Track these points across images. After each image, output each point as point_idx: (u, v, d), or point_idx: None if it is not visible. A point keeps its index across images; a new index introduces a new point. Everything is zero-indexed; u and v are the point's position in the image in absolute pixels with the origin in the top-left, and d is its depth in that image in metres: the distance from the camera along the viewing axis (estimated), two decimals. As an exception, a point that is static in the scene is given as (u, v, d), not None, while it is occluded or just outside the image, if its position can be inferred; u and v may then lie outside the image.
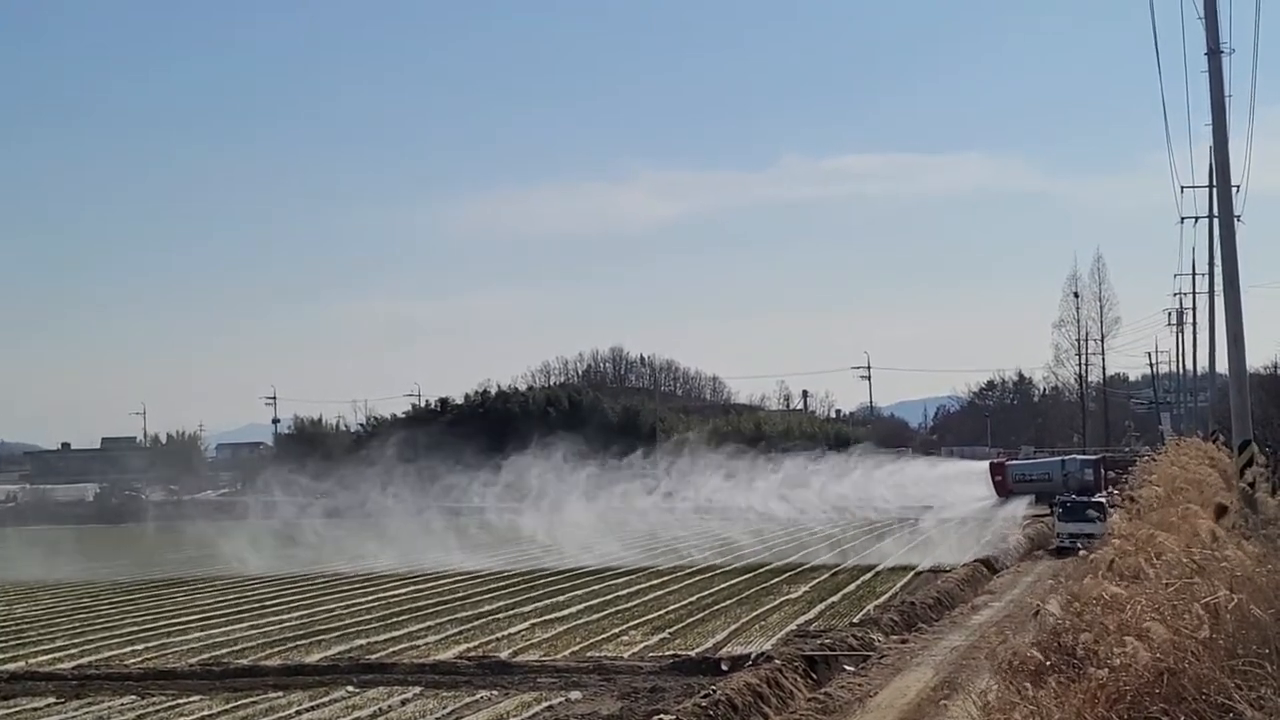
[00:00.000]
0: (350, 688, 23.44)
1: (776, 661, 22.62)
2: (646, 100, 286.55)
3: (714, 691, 19.68)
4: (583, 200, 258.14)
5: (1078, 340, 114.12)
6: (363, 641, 29.67)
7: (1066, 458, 67.64)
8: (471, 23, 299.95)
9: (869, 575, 39.73)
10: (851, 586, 37.10)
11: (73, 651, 29.93)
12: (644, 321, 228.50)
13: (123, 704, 23.07)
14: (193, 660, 27.66)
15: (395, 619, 33.60)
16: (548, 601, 36.06)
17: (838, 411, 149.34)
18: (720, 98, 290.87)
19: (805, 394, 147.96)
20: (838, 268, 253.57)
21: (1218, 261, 39.87)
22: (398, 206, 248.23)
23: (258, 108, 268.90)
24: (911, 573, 39.48)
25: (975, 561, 39.36)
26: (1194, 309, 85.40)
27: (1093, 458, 67.15)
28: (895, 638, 26.56)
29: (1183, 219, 64.01)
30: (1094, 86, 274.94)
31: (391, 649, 28.17)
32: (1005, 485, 62.16)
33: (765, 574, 41.48)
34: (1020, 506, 57.76)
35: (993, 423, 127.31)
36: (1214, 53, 26.31)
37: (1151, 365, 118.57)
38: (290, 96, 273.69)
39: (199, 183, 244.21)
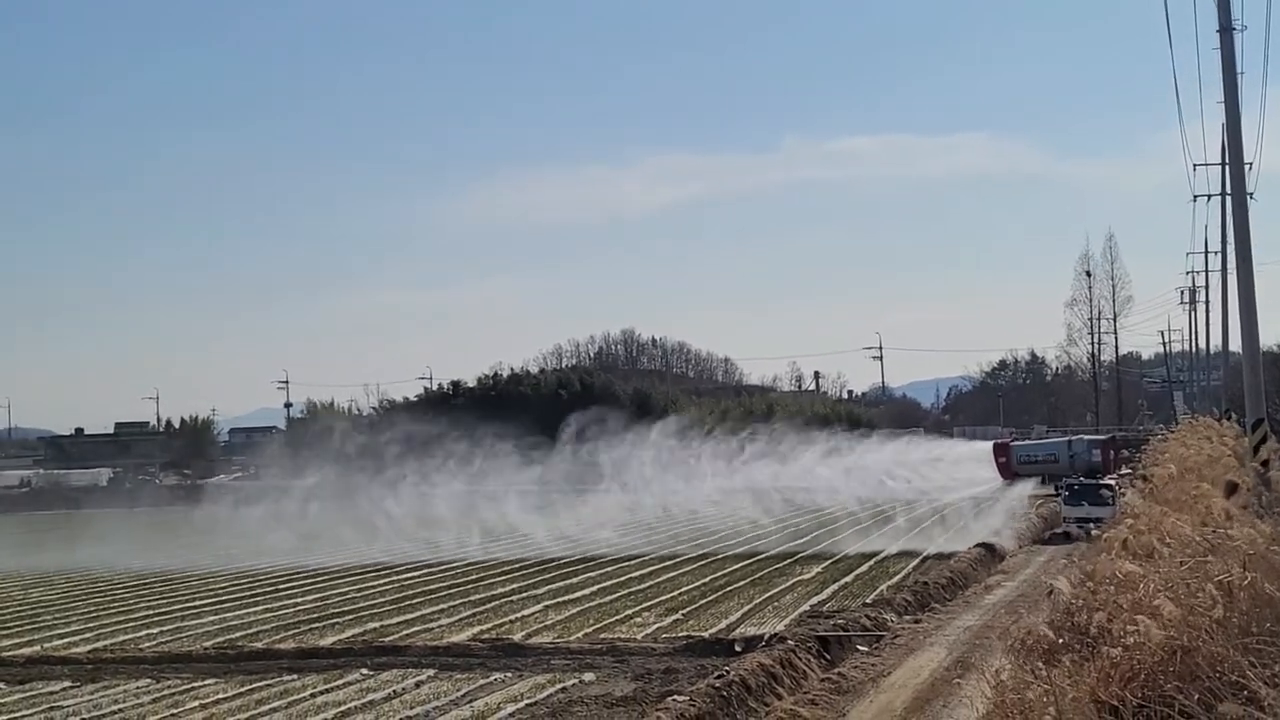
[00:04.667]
0: (364, 670, 23.50)
1: (790, 642, 22.60)
2: (647, 85, 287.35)
3: (727, 672, 19.68)
4: (586, 185, 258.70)
5: (1090, 319, 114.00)
6: (376, 624, 29.74)
7: (1073, 438, 66.23)
8: (473, 12, 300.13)
9: (880, 557, 39.70)
10: (864, 568, 37.12)
11: (88, 635, 30.05)
12: (655, 304, 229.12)
13: (138, 687, 23.14)
14: (207, 644, 27.74)
15: (409, 602, 33.67)
16: (560, 584, 36.11)
17: (850, 392, 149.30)
18: (721, 81, 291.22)
19: (817, 375, 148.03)
20: (848, 249, 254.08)
21: (1230, 239, 39.78)
22: (406, 194, 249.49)
23: (268, 98, 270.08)
24: (920, 556, 39.38)
25: (978, 546, 38.94)
26: (1207, 287, 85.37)
27: (1101, 438, 66.09)
28: (908, 618, 26.53)
29: (1195, 197, 63.95)
30: (1101, 68, 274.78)
31: (405, 632, 28.23)
32: (1010, 467, 60.89)
33: (776, 556, 41.52)
34: (1028, 488, 57.11)
35: (1005, 402, 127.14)
36: (1226, 30, 26.26)
37: (1164, 344, 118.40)
38: (300, 86, 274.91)
39: (211, 172, 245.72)
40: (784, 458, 61.81)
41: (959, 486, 57.50)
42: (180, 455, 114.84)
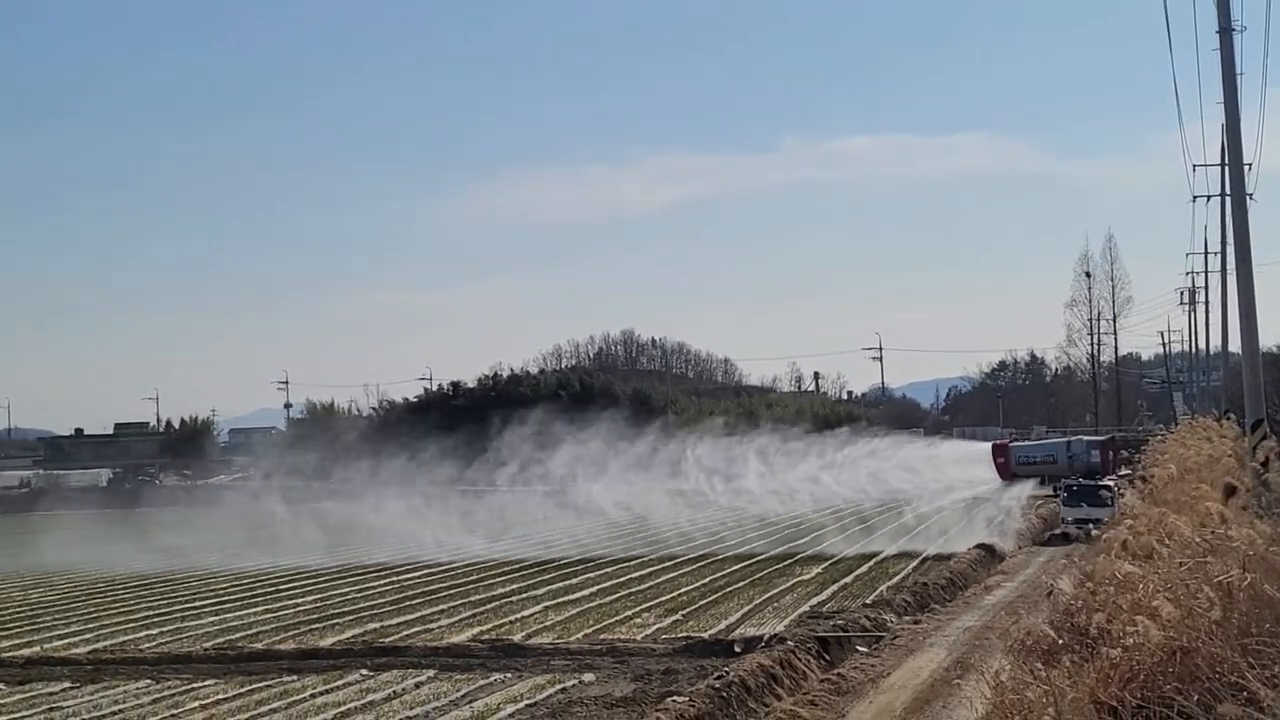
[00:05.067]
0: (364, 671, 23.51)
1: (789, 643, 22.62)
2: (647, 85, 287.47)
3: (727, 673, 19.70)
4: (586, 185, 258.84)
5: (1090, 320, 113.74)
6: (376, 625, 29.75)
7: (1072, 439, 65.93)
8: (473, 12, 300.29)
9: (880, 558, 39.69)
10: (864, 569, 37.11)
11: (88, 636, 30.05)
12: (655, 304, 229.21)
13: (138, 688, 23.15)
14: (207, 644, 27.75)
15: (408, 603, 33.68)
16: (560, 585, 36.11)
17: (849, 393, 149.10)
18: (721, 81, 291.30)
19: (817, 375, 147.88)
20: (848, 249, 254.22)
21: (1230, 240, 39.74)
22: (406, 194, 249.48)
23: (268, 98, 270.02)
24: (920, 557, 39.36)
25: (977, 547, 38.87)
26: (1206, 288, 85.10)
27: (1100, 438, 65.87)
28: (908, 619, 26.55)
29: (1195, 197, 63.82)
30: (1101, 68, 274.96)
31: (405, 632, 28.24)
32: (1008, 468, 60.53)
33: (777, 556, 41.51)
34: (1027, 489, 56.80)
35: (1005, 403, 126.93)
36: (1225, 30, 26.19)
37: (1164, 344, 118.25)
38: (300, 86, 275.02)
39: (211, 172, 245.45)
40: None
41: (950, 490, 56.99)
42: (180, 456, 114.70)
